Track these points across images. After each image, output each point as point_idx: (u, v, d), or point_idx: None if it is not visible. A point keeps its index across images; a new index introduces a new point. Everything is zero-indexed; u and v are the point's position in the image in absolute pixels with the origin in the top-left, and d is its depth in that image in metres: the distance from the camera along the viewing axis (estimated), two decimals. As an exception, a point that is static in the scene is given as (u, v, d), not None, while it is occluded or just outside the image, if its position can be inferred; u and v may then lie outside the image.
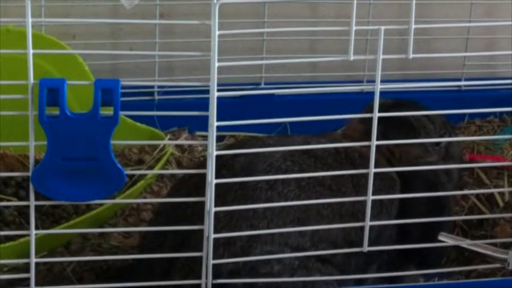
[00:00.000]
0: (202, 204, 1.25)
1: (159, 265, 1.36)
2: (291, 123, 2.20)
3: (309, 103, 2.20)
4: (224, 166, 1.38)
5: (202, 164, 1.26)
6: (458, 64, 2.37)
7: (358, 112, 1.46)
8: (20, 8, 1.16)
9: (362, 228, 1.34)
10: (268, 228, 1.34)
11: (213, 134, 1.20)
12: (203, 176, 1.24)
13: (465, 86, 2.33)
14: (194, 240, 1.31)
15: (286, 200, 1.37)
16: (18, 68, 1.26)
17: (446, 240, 1.47)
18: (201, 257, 1.26)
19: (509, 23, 1.35)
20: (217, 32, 1.15)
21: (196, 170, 1.27)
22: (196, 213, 1.31)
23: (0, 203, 1.60)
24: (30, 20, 1.12)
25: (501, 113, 2.33)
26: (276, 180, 1.38)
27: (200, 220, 1.26)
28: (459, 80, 2.34)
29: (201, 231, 1.25)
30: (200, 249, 1.26)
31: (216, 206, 1.24)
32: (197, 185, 1.35)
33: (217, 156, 1.22)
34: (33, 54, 1.14)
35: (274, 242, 1.35)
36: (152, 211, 1.80)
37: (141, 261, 1.42)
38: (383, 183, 1.48)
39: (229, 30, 1.18)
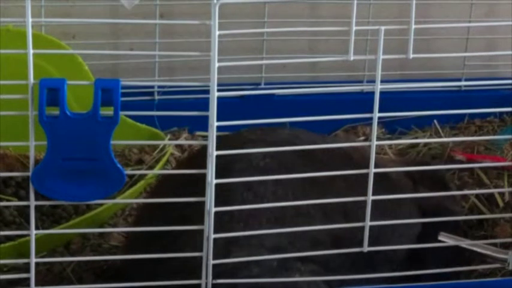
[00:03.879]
0: (189, 204, 1.23)
1: (148, 265, 1.32)
2: (291, 123, 2.20)
3: (309, 103, 2.20)
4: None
5: (192, 158, 1.24)
6: (458, 64, 2.37)
7: (358, 112, 1.46)
8: (20, 8, 1.16)
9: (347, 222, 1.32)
10: (245, 230, 1.29)
11: (213, 134, 1.20)
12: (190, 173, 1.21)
13: (465, 86, 2.32)
14: (186, 239, 1.29)
15: (262, 199, 1.32)
16: (18, 68, 1.26)
17: (446, 240, 1.47)
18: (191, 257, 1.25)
19: (509, 23, 1.36)
20: (217, 32, 1.15)
21: (197, 170, 1.27)
22: (190, 212, 1.29)
23: (0, 203, 1.60)
24: (30, 20, 1.12)
25: (501, 113, 2.33)
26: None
27: (189, 220, 1.25)
28: (459, 80, 2.34)
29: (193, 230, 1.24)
30: (190, 247, 1.25)
31: (196, 209, 1.22)
32: (183, 182, 1.33)
33: (194, 157, 1.20)
34: (33, 54, 1.14)
35: (251, 245, 1.30)
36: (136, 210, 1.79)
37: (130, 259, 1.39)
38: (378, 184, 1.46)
39: (229, 30, 1.18)
